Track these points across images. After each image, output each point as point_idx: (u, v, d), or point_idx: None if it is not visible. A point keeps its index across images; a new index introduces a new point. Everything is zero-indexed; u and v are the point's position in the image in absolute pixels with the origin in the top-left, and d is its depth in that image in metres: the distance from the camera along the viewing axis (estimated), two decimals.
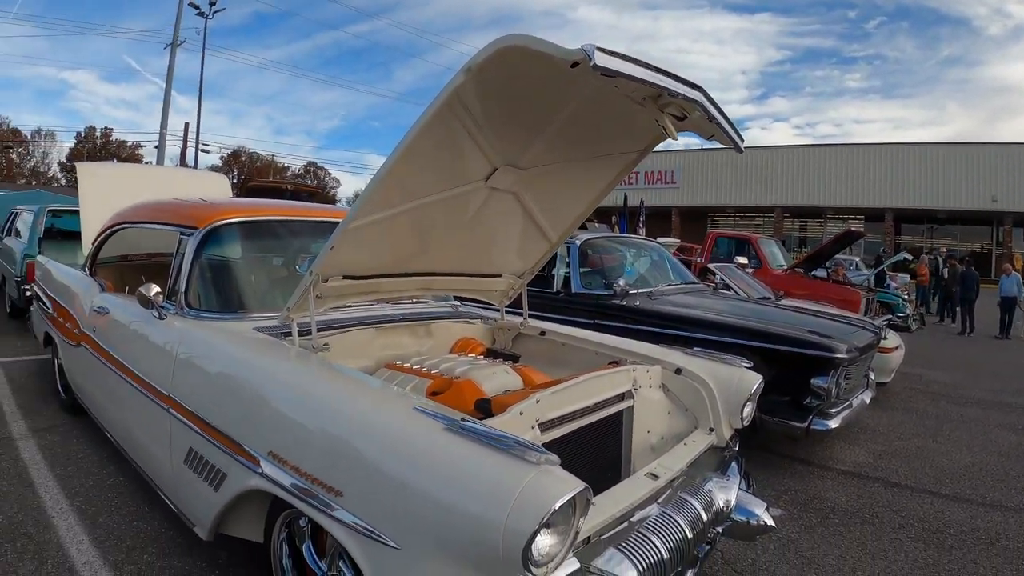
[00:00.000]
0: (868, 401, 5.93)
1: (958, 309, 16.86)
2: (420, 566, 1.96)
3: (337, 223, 2.76)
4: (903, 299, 14.63)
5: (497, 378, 3.05)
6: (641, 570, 2.27)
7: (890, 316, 11.99)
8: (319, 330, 2.99)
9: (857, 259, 18.03)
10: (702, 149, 38.70)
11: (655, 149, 3.02)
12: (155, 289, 3.32)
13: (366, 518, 2.08)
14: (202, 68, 33.06)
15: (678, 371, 3.41)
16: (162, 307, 3.39)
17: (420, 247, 3.18)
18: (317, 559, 2.60)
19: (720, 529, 2.91)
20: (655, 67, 2.06)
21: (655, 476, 2.73)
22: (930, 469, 5.56)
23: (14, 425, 5.31)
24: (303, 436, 2.39)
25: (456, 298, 4.59)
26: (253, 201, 4.19)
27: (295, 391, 2.56)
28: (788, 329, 5.49)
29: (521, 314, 4.18)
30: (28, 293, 7.76)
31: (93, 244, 5.09)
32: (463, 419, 2.10)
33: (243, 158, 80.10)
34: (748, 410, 3.38)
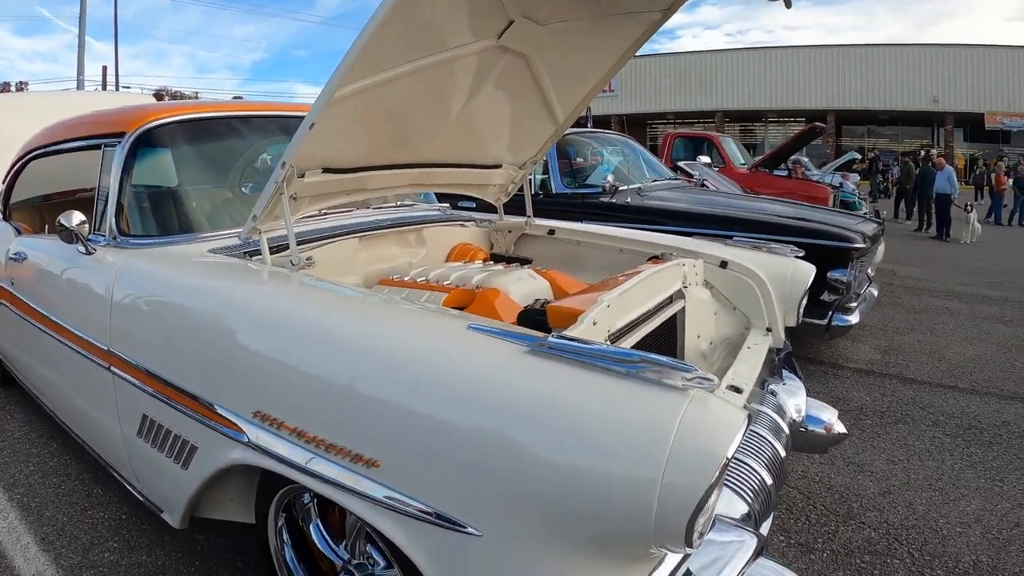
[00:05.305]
0: (876, 295, 5.64)
1: (915, 208, 16.81)
2: (512, 556, 1.41)
3: (303, 117, 2.15)
4: (859, 198, 14.49)
5: (524, 284, 2.55)
6: (749, 500, 1.85)
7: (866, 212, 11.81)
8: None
9: (804, 159, 17.94)
10: (640, 56, 38.41)
11: None
12: (78, 217, 2.65)
13: (421, 497, 1.49)
14: (116, 4, 30.31)
15: (723, 264, 2.93)
16: (88, 240, 2.72)
17: (414, 129, 2.60)
18: (332, 543, 2.05)
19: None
20: None
21: (738, 389, 2.23)
22: (940, 363, 5.46)
23: None
24: (306, 387, 1.75)
25: (438, 198, 4.05)
26: (192, 100, 3.49)
27: (285, 324, 1.90)
28: (801, 221, 5.14)
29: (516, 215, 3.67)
30: None
31: (3, 183, 4.32)
32: (554, 335, 1.53)
33: (166, 98, 78.09)
34: (803, 305, 2.94)
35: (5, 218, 4.26)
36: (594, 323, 1.88)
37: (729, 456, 1.24)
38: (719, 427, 1.28)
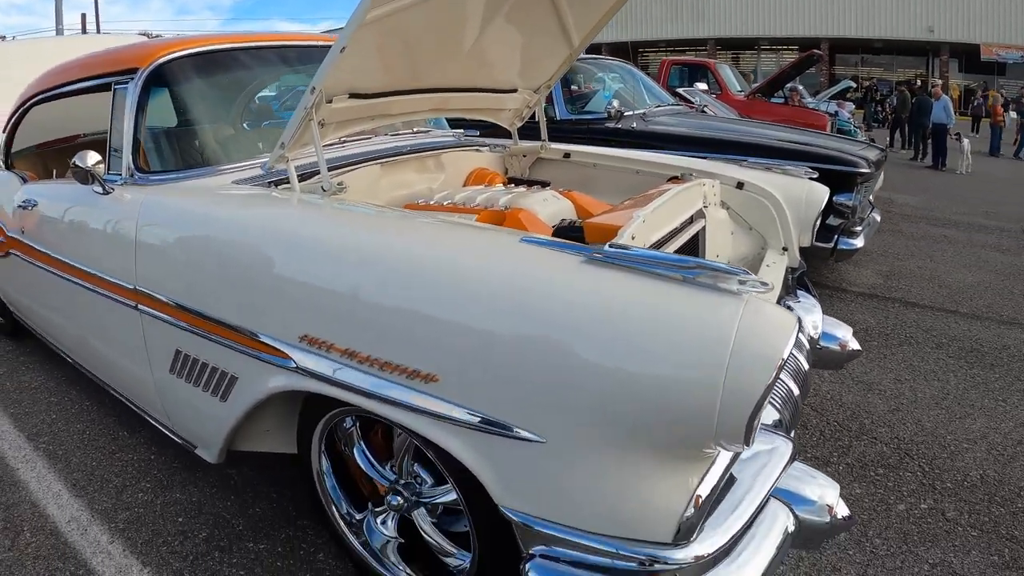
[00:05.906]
0: (879, 220, 5.67)
1: (913, 136, 16.66)
2: (576, 461, 1.44)
3: (319, 47, 2.12)
4: (855, 126, 14.34)
5: (549, 205, 2.55)
6: (779, 408, 1.90)
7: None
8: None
9: (800, 87, 17.72)
10: None
11: None
12: (94, 157, 2.60)
13: (484, 408, 1.51)
14: None
15: (740, 185, 2.94)
16: (105, 180, 2.66)
17: (436, 53, 2.56)
18: (378, 465, 2.09)
19: None
20: None
21: None
22: (940, 288, 5.54)
23: None
24: (354, 309, 1.75)
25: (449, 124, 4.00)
26: (200, 34, 3.40)
27: (330, 248, 1.89)
28: (807, 146, 5.12)
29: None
30: None
31: (5, 131, 4.16)
32: (609, 244, 1.52)
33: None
34: (817, 226, 2.97)
35: (8, 167, 4.17)
36: (632, 237, 1.89)
37: (784, 357, 1.29)
38: (774, 330, 1.33)
